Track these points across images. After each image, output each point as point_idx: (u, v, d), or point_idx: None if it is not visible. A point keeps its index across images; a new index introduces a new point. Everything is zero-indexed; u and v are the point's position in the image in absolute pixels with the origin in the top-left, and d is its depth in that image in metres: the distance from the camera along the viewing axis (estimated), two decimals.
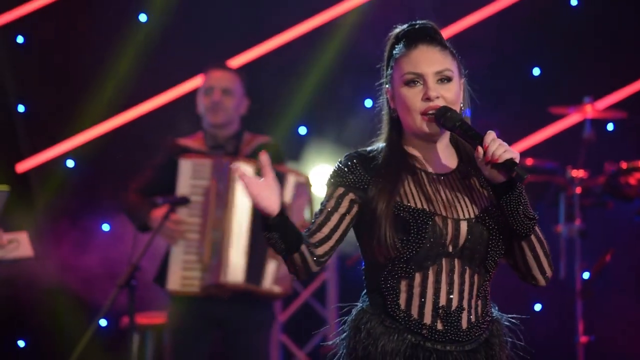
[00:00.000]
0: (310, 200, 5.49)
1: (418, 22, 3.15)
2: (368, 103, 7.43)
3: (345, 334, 3.10)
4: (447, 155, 3.11)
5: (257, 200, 2.93)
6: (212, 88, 5.51)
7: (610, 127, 7.40)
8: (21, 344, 6.94)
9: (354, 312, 3.11)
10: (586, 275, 6.59)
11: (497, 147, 2.97)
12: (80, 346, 5.11)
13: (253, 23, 7.36)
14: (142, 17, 7.23)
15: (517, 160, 2.97)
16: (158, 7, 7.12)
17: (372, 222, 3.02)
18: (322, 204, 3.11)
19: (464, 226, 3.02)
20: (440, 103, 3.02)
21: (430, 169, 3.09)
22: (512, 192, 2.98)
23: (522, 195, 3.00)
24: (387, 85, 3.17)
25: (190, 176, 5.36)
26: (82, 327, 5.35)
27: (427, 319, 3.01)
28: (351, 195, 3.07)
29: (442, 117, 3.01)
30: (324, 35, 7.37)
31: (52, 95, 7.02)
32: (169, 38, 7.09)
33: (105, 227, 6.95)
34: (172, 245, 5.30)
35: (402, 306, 3.02)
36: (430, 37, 3.10)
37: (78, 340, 5.14)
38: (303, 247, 3.01)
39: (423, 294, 3.02)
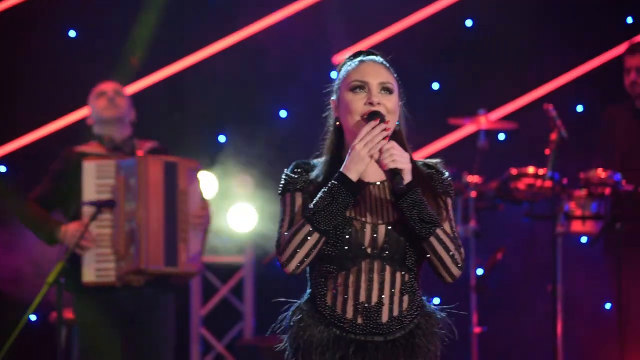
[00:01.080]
0: (199, 182, 5.58)
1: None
2: (283, 114, 7.50)
3: (286, 329, 3.21)
4: (376, 165, 3.14)
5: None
6: (103, 92, 5.57)
7: (501, 136, 7.55)
8: None
9: (292, 308, 3.21)
10: (480, 271, 6.72)
11: (387, 156, 3.07)
12: (10, 340, 5.07)
13: (176, 37, 7.38)
14: (72, 33, 7.22)
15: (402, 169, 3.06)
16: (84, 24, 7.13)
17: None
18: (280, 215, 3.19)
19: (382, 230, 3.11)
20: (380, 109, 3.11)
21: (362, 178, 3.14)
22: (405, 197, 3.07)
23: (418, 201, 3.07)
24: (333, 97, 3.26)
25: (95, 177, 5.32)
26: (12, 324, 5.30)
27: (349, 314, 3.12)
28: (300, 195, 3.17)
29: (371, 118, 3.10)
30: (243, 49, 7.41)
31: None
32: (94, 53, 7.08)
33: None
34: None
35: (329, 302, 3.14)
36: (377, 57, 3.23)
37: (8, 335, 5.11)
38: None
39: (345, 292, 3.12)
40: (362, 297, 3.11)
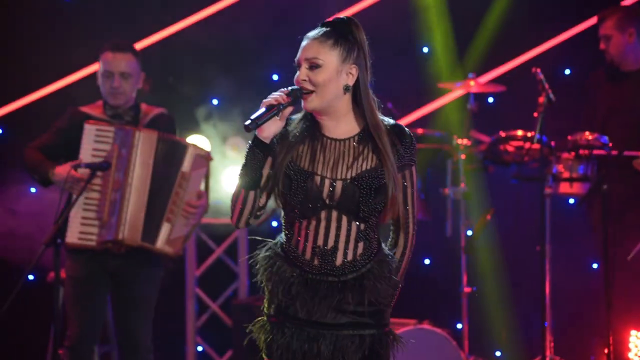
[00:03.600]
0: (207, 174, 5.54)
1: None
2: (275, 77, 7.47)
3: (258, 264, 3.51)
4: (346, 123, 3.47)
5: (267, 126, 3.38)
6: (111, 73, 5.45)
7: (490, 100, 7.54)
8: None
9: (265, 247, 3.51)
10: (469, 232, 6.73)
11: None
12: (9, 299, 5.09)
13: (169, 2, 7.34)
14: None
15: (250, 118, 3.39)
16: None
17: (273, 175, 3.44)
18: None
19: (339, 185, 3.41)
20: (305, 85, 3.42)
21: (330, 135, 3.46)
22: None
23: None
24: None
25: (93, 140, 5.34)
26: (8, 285, 5.31)
27: (308, 256, 3.43)
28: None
29: (289, 94, 3.43)
30: (236, 12, 7.37)
31: None
32: (91, 17, 7.04)
33: (33, 190, 6.90)
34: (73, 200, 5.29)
35: (293, 244, 3.45)
36: (314, 32, 3.46)
37: (6, 295, 5.12)
38: (257, 192, 3.45)
39: (306, 236, 3.43)
40: (320, 242, 3.41)
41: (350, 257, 3.41)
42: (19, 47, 6.98)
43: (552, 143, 6.22)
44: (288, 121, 3.48)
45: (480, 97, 7.07)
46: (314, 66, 3.40)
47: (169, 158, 5.41)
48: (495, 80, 7.26)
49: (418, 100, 7.44)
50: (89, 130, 5.33)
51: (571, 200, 7.03)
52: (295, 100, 3.42)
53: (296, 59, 3.45)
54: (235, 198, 3.47)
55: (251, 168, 3.43)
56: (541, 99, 6.12)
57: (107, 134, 5.34)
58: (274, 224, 7.14)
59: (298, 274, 3.41)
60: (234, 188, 3.48)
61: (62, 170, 5.30)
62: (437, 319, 6.45)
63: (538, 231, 6.19)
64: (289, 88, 3.43)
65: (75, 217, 5.31)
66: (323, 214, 3.40)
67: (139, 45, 6.87)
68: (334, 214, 3.40)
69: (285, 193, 3.41)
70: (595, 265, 7.11)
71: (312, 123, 3.48)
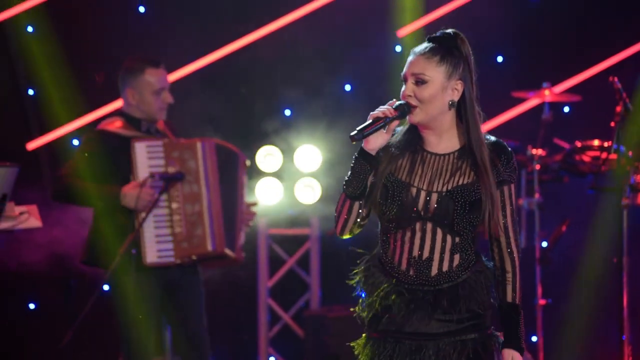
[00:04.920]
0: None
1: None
2: (347, 87, 7.46)
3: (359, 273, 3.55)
4: (448, 139, 3.48)
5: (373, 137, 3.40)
6: (163, 89, 5.37)
7: (566, 109, 7.44)
8: (31, 306, 6.95)
9: (363, 260, 3.55)
10: (544, 244, 6.64)
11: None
12: (86, 308, 5.13)
13: (245, 11, 7.36)
14: (141, 9, 7.23)
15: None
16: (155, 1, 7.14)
17: (373, 184, 3.47)
18: None
19: (434, 197, 3.42)
20: (410, 100, 3.43)
21: (430, 149, 3.48)
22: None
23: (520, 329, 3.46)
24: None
25: (146, 157, 5.23)
26: (86, 294, 5.34)
27: (403, 266, 3.45)
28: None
29: (396, 108, 3.44)
30: (308, 23, 7.37)
31: (58, 81, 7.00)
32: (164, 28, 7.08)
33: None
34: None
35: (389, 254, 3.48)
36: (421, 47, 3.48)
37: (82, 305, 5.16)
38: (362, 201, 3.48)
39: (402, 247, 3.45)
40: (415, 252, 3.43)
41: (445, 268, 3.42)
42: (98, 59, 7.05)
43: (630, 153, 6.11)
44: (392, 132, 3.49)
45: (555, 107, 6.98)
46: (420, 82, 3.41)
47: (229, 166, 5.41)
48: (570, 90, 7.17)
49: (492, 109, 7.35)
50: (140, 148, 5.24)
51: None
52: (402, 115, 3.42)
53: (402, 74, 3.46)
54: (340, 208, 3.48)
55: (357, 179, 3.44)
56: (618, 108, 6.01)
57: (157, 148, 5.30)
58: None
59: (394, 284, 3.43)
60: (339, 199, 3.49)
61: (131, 190, 5.20)
62: None
63: (615, 243, 6.07)
64: (397, 102, 3.43)
65: (149, 235, 5.26)
66: (418, 226, 3.42)
67: (209, 59, 6.92)
68: (429, 225, 3.41)
69: (381, 203, 3.43)
70: None
71: (414, 136, 3.49)
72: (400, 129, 3.51)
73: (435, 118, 3.43)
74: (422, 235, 3.42)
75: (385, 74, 6.55)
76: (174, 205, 5.29)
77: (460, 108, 3.45)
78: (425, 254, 3.41)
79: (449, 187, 3.40)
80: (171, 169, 5.28)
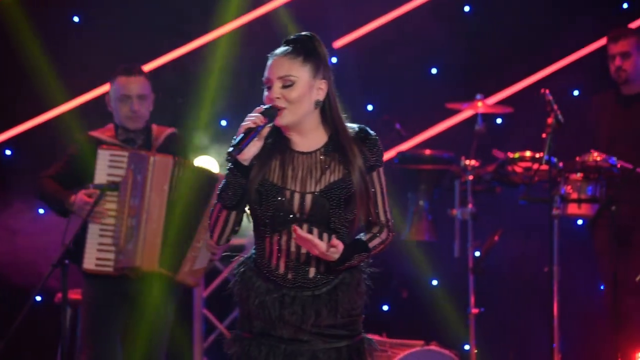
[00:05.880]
0: None
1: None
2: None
3: (233, 279, 3.56)
4: (314, 136, 3.49)
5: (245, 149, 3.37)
6: (128, 97, 5.37)
7: (499, 120, 7.51)
8: None
9: (239, 262, 3.55)
10: (477, 253, 6.68)
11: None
12: (17, 321, 5.06)
13: (177, 24, 7.33)
14: (76, 19, 7.18)
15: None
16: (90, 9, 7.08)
17: (246, 191, 3.45)
18: None
19: (308, 198, 3.43)
20: (279, 103, 3.42)
21: (298, 149, 3.48)
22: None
23: (350, 261, 3.43)
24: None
25: (107, 165, 5.27)
26: (15, 306, 5.28)
27: (281, 270, 3.44)
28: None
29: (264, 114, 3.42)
30: (243, 36, 7.35)
31: None
32: (98, 39, 7.02)
33: (41, 211, 6.88)
34: (89, 227, 5.24)
35: (266, 258, 3.46)
36: (283, 48, 3.49)
37: (13, 316, 5.09)
38: (238, 211, 3.46)
39: (279, 250, 3.44)
40: (292, 255, 3.42)
41: (323, 268, 3.43)
42: (28, 68, 6.96)
43: (561, 164, 6.19)
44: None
45: (488, 118, 7.04)
46: (287, 84, 3.41)
47: (201, 189, 5.30)
48: (503, 102, 7.24)
49: (426, 120, 7.41)
50: (103, 155, 5.26)
51: (579, 222, 6.99)
52: (272, 119, 3.41)
53: (264, 78, 3.46)
54: (215, 218, 3.46)
55: (232, 190, 3.42)
56: (550, 120, 6.09)
57: (121, 158, 5.27)
58: None
59: (272, 288, 3.43)
60: (213, 208, 3.47)
61: (76, 198, 5.23)
62: (444, 340, 6.40)
63: (546, 252, 6.15)
64: (263, 107, 3.41)
65: (92, 243, 5.24)
66: (294, 228, 3.39)
67: (149, 66, 6.87)
68: (305, 227, 3.41)
69: (256, 208, 3.43)
70: (603, 287, 7.06)
71: (280, 137, 3.49)
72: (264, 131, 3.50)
73: (302, 119, 3.44)
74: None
75: None
76: (121, 217, 5.26)
77: (324, 107, 3.46)
78: (302, 256, 3.42)
79: (322, 187, 3.42)
80: (117, 180, 5.26)
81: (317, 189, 3.42)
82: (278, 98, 3.41)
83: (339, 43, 7.36)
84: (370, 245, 3.47)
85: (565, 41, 7.41)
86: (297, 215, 3.41)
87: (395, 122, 6.99)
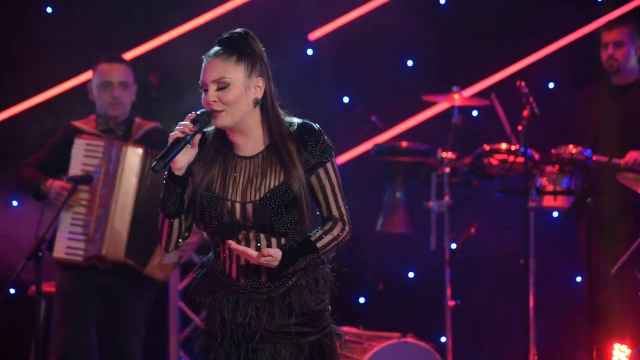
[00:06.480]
0: None
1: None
2: None
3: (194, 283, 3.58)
4: (255, 140, 3.44)
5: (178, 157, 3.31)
6: (109, 83, 5.42)
7: (475, 113, 7.52)
8: None
9: (201, 262, 3.58)
10: (453, 245, 6.68)
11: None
12: None
13: (155, 14, 7.28)
14: (49, 9, 7.11)
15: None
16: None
17: (192, 200, 3.44)
18: None
19: (249, 208, 3.38)
20: (216, 106, 3.36)
21: (240, 153, 3.45)
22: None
23: (295, 265, 3.39)
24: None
25: (83, 154, 5.31)
26: None
27: (234, 276, 3.43)
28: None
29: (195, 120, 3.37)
30: (218, 27, 7.31)
31: None
32: (71, 30, 6.96)
33: (14, 203, 6.83)
34: (61, 215, 5.25)
35: (221, 263, 3.46)
36: (216, 50, 3.43)
37: None
38: (182, 218, 3.45)
39: (231, 257, 3.42)
40: (243, 261, 3.40)
41: (274, 272, 3.40)
42: (1, 59, 6.91)
43: (536, 156, 6.19)
44: (203, 136, 3.43)
45: (464, 111, 7.04)
46: (222, 86, 3.36)
47: None
48: (479, 94, 7.24)
49: (403, 113, 7.40)
50: (79, 145, 5.31)
51: (555, 214, 7.00)
52: (204, 125, 3.37)
53: (200, 81, 3.40)
54: (161, 226, 3.45)
55: (169, 199, 3.40)
56: (525, 112, 6.10)
57: (97, 148, 5.31)
58: None
59: (227, 292, 3.44)
60: (158, 216, 3.45)
61: (53, 183, 5.26)
62: (421, 332, 6.39)
63: (522, 245, 6.15)
64: (195, 113, 3.37)
65: (63, 232, 5.29)
66: (241, 235, 3.39)
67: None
68: (252, 233, 3.39)
69: (202, 220, 3.41)
70: (578, 279, 7.09)
71: (224, 140, 3.45)
72: (211, 130, 3.46)
73: (242, 119, 3.39)
74: (247, 243, 3.39)
75: (296, 77, 6.54)
76: (92, 206, 5.27)
77: (264, 105, 3.42)
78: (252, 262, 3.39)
79: (262, 195, 3.37)
80: (92, 170, 5.27)
81: (257, 198, 3.38)
82: (215, 101, 3.36)
83: (314, 35, 7.33)
84: (319, 244, 3.42)
85: (542, 33, 7.42)
86: (242, 224, 3.38)
87: (371, 114, 6.97)
